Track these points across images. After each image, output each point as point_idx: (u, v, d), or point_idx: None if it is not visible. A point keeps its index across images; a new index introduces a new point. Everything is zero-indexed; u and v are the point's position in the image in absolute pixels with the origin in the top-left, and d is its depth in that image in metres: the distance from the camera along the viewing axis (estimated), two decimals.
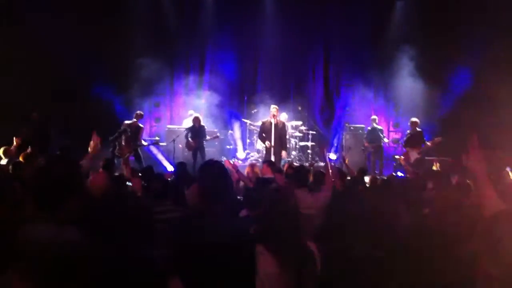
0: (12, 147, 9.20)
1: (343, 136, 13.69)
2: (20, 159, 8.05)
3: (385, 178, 7.18)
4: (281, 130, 11.11)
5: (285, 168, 7.86)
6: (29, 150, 8.35)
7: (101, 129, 10.91)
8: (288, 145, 12.02)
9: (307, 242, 2.91)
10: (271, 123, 11.01)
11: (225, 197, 2.80)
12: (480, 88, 12.45)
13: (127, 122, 11.08)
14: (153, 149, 12.92)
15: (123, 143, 10.80)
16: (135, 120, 11.16)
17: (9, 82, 11.64)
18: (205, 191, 2.80)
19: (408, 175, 7.66)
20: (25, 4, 11.86)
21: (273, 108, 11.22)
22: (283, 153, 11.15)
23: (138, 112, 11.44)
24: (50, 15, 11.55)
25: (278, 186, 4.36)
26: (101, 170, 6.61)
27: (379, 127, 12.75)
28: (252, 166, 7.48)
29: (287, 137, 11.94)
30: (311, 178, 6.13)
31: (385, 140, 12.76)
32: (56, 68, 11.82)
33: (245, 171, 7.18)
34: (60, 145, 9.44)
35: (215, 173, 2.82)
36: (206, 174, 2.86)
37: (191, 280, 2.32)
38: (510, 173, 7.40)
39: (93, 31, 12.40)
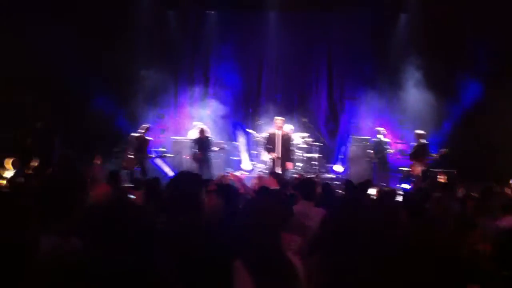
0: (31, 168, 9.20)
1: (349, 148, 13.65)
2: (29, 171, 8.10)
3: (389, 190, 7.17)
4: (286, 141, 11.13)
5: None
6: (34, 161, 8.41)
7: (105, 140, 10.97)
8: (293, 157, 12.01)
9: (291, 257, 2.75)
10: (276, 134, 11.05)
11: (190, 208, 2.78)
12: (488, 100, 12.41)
13: (134, 134, 11.13)
14: (158, 161, 12.97)
15: (129, 156, 10.84)
16: (142, 132, 11.21)
17: (11, 92, 11.71)
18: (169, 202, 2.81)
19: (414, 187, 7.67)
20: (25, 16, 11.80)
21: (278, 119, 11.26)
22: (289, 164, 11.16)
23: (145, 125, 11.49)
24: (53, 27, 11.50)
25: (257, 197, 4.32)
26: (105, 182, 6.65)
27: (385, 139, 12.73)
28: (260, 178, 7.48)
29: (293, 148, 11.94)
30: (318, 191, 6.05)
31: (390, 151, 12.71)
32: (58, 79, 11.86)
33: (252, 183, 7.17)
34: (61, 154, 9.50)
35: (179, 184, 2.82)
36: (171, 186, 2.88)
37: None
38: None
39: (97, 43, 12.48)
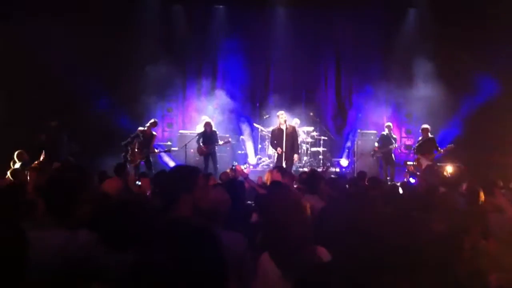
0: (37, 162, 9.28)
1: (355, 142, 13.65)
2: (36, 164, 8.16)
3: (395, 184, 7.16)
4: (292, 134, 11.13)
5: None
6: (42, 156, 8.48)
7: (114, 135, 10.97)
8: (299, 151, 12.01)
9: (317, 250, 2.74)
10: (281, 129, 11.05)
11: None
12: (497, 96, 12.31)
13: (141, 128, 11.17)
14: (165, 156, 13.02)
15: (135, 149, 10.89)
16: (149, 127, 11.23)
17: (19, 91, 11.72)
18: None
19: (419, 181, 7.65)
20: (24, 12, 11.49)
21: (281, 114, 11.23)
22: (295, 156, 11.16)
23: (152, 120, 11.51)
24: (54, 26, 11.33)
25: (291, 192, 4.33)
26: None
27: (393, 135, 12.69)
28: (271, 172, 7.45)
29: (298, 142, 11.93)
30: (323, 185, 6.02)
31: (395, 145, 12.63)
32: (64, 79, 11.83)
33: (265, 177, 7.18)
34: (71, 151, 9.59)
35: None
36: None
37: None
38: None
39: (104, 40, 12.47)
